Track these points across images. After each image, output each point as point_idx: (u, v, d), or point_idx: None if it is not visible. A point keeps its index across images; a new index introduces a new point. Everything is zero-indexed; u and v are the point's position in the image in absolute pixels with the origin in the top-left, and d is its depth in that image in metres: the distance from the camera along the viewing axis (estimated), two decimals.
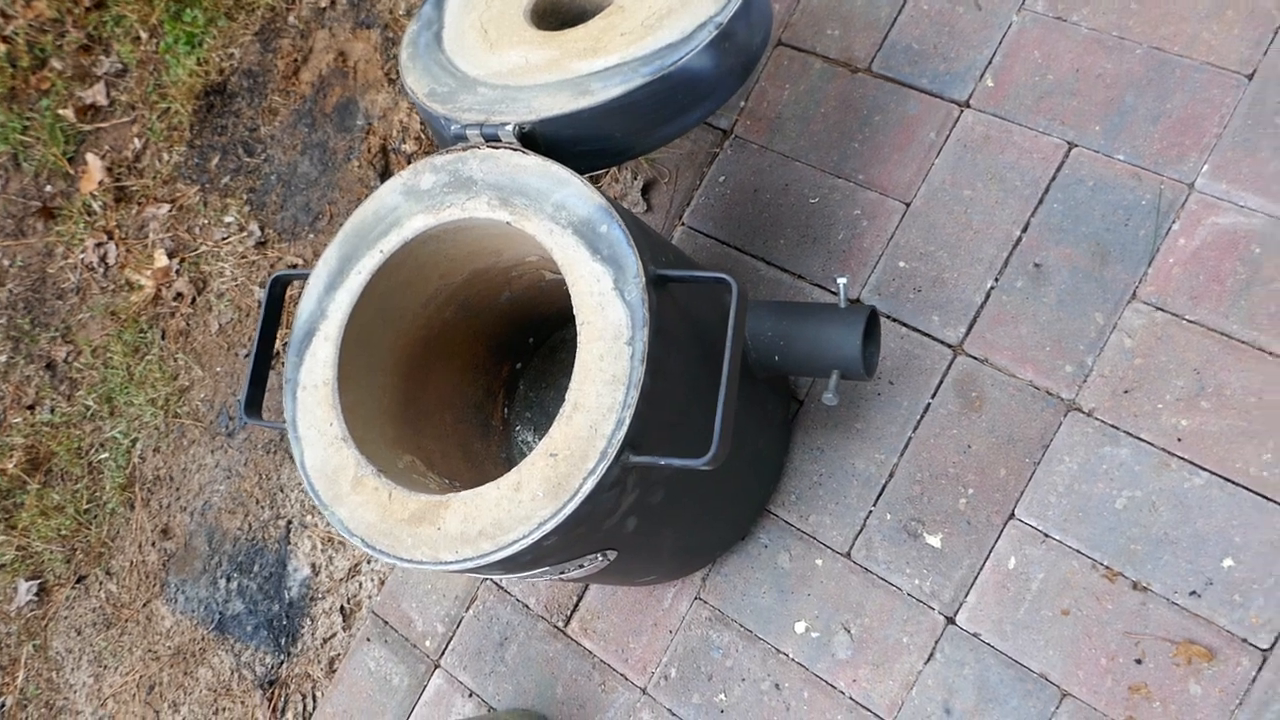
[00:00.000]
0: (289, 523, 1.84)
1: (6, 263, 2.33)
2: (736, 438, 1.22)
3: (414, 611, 1.67)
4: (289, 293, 1.94)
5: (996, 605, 1.32)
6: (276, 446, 1.90)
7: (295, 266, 2.00)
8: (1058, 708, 1.27)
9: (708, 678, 1.45)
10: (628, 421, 0.99)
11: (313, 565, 1.80)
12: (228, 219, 2.10)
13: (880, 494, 1.42)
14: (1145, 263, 1.36)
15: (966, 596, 1.34)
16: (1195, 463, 1.28)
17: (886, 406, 1.44)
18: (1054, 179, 1.43)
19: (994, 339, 1.41)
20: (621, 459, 0.99)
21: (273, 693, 1.77)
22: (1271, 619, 1.20)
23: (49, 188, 2.34)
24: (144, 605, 1.94)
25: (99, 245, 2.21)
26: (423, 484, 1.16)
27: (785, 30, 1.67)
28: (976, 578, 1.34)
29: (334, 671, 1.72)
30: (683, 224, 1.65)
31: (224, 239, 2.09)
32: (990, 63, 1.51)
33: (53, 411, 2.15)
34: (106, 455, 2.06)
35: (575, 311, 1.05)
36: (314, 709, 1.72)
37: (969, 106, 1.51)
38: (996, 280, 1.43)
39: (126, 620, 1.95)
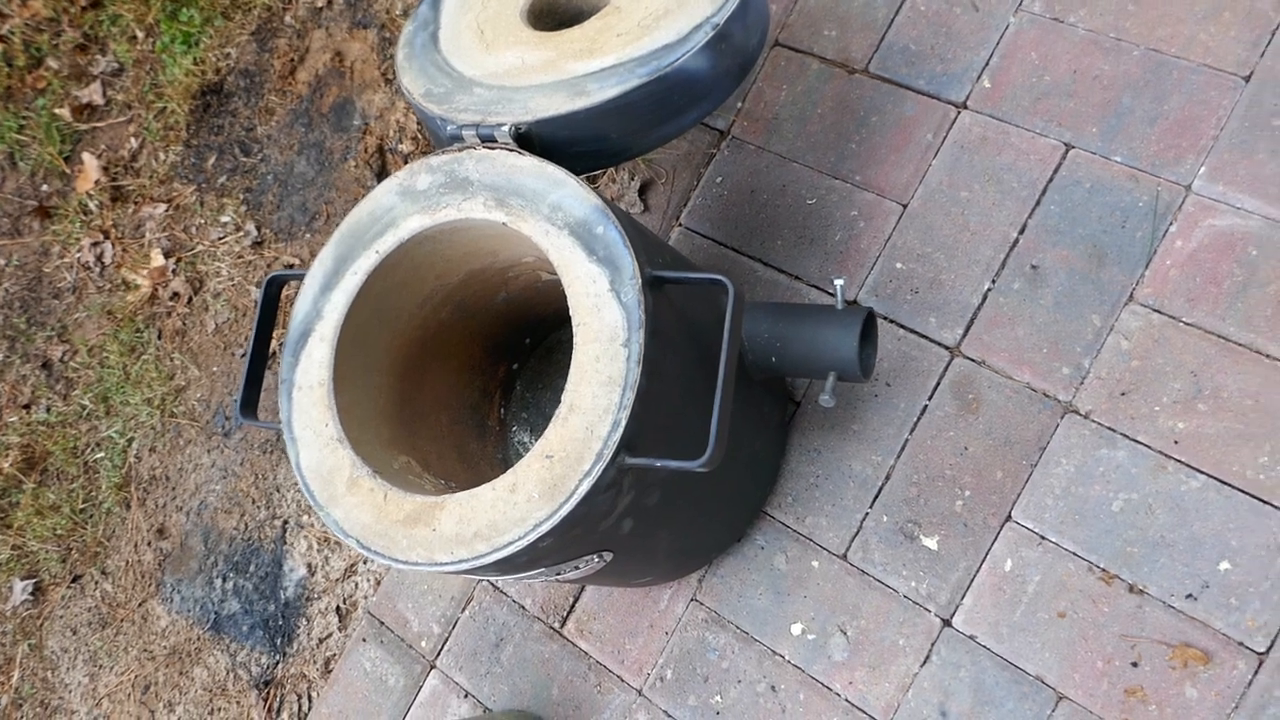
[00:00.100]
0: (285, 523, 1.84)
1: (2, 262, 2.33)
2: (733, 439, 1.22)
3: (410, 612, 1.67)
4: (285, 293, 1.94)
5: (993, 608, 1.32)
6: (273, 446, 1.89)
7: (292, 266, 1.99)
8: (1053, 711, 1.27)
9: (704, 679, 1.45)
10: (623, 423, 0.99)
11: (309, 565, 1.80)
12: (224, 219, 2.10)
13: (877, 496, 1.42)
14: (1142, 265, 1.36)
15: (963, 599, 1.34)
16: (1192, 465, 1.28)
17: (883, 408, 1.44)
18: (1051, 181, 1.43)
19: (991, 341, 1.41)
20: (617, 461, 0.99)
21: (268, 693, 1.77)
22: (1267, 622, 1.20)
23: (45, 187, 2.34)
24: (139, 605, 1.93)
25: (95, 245, 2.21)
26: (418, 485, 1.16)
27: (782, 31, 1.66)
28: (973, 580, 1.34)
29: (329, 672, 1.72)
30: (680, 225, 1.65)
31: (220, 239, 2.09)
32: (987, 64, 1.51)
33: (48, 411, 2.15)
34: (102, 455, 2.06)
35: (571, 313, 1.05)
36: (309, 709, 1.72)
37: (966, 108, 1.51)
38: (994, 282, 1.43)
39: (122, 620, 1.94)
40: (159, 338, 2.08)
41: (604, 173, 1.74)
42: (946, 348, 1.43)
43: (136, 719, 1.87)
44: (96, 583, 1.99)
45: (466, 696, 1.59)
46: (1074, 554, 1.30)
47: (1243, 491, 1.25)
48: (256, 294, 2.00)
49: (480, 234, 1.17)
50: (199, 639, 1.86)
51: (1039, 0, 1.51)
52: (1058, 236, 1.41)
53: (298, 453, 1.14)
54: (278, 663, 1.78)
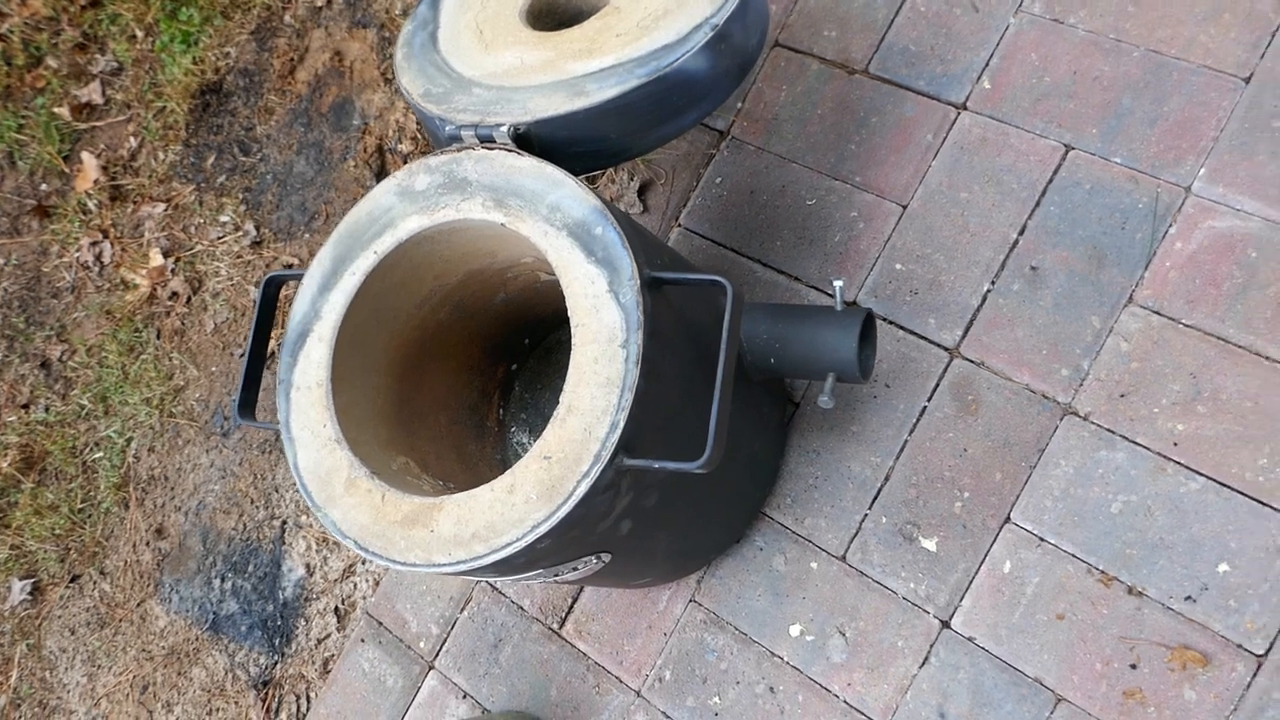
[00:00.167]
0: (284, 523, 1.84)
1: (1, 261, 2.33)
2: (731, 441, 1.22)
3: (408, 613, 1.67)
4: (283, 293, 1.94)
5: (991, 609, 1.32)
6: (271, 447, 1.89)
7: (291, 266, 1.99)
8: (1052, 713, 1.27)
9: (702, 680, 1.45)
10: (622, 424, 0.99)
11: (307, 566, 1.80)
12: (223, 218, 2.09)
13: (876, 497, 1.41)
14: (1142, 266, 1.36)
15: (961, 600, 1.34)
16: (1191, 467, 1.27)
17: (882, 409, 1.44)
18: (1051, 182, 1.43)
19: (990, 342, 1.41)
20: (615, 462, 0.99)
21: (267, 693, 1.76)
22: (1266, 624, 1.20)
23: (44, 186, 2.33)
24: (138, 605, 1.93)
25: (94, 244, 2.20)
26: (416, 486, 1.16)
27: (782, 31, 1.66)
28: (971, 582, 1.34)
29: (328, 672, 1.72)
30: (679, 225, 1.65)
31: (219, 238, 2.09)
32: (987, 65, 1.51)
33: (47, 410, 2.14)
34: (101, 455, 2.06)
35: (570, 314, 1.05)
36: (308, 710, 1.72)
37: (966, 109, 1.51)
38: (993, 283, 1.43)
39: (120, 620, 1.94)
40: (158, 337, 2.08)
41: (603, 173, 1.74)
42: (946, 349, 1.43)
43: (135, 719, 1.87)
44: (95, 583, 1.99)
45: (465, 697, 1.59)
46: (1073, 556, 1.30)
47: (1242, 493, 1.25)
48: (255, 294, 2.00)
49: (479, 234, 1.17)
50: (197, 639, 1.86)
51: (1039, 1, 1.50)
52: (1057, 238, 1.41)
53: (295, 453, 1.13)
54: (276, 663, 1.77)
